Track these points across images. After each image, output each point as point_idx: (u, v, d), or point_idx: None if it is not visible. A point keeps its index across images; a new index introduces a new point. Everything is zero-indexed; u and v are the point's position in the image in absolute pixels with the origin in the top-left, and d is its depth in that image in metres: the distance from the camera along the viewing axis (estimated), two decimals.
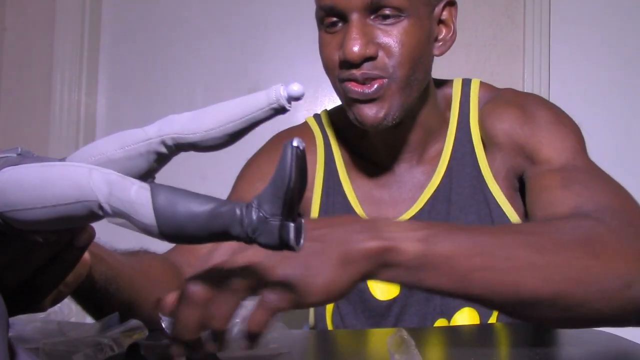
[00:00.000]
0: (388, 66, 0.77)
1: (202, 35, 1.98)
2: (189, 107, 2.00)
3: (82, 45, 1.98)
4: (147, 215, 0.31)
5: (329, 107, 0.99)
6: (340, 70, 0.79)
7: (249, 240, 0.31)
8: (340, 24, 0.79)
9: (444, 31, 0.84)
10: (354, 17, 0.76)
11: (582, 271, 0.51)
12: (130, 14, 2.03)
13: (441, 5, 0.82)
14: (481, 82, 0.90)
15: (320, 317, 0.90)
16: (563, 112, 0.84)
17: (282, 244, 0.30)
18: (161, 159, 0.35)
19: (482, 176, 0.84)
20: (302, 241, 0.31)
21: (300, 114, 1.90)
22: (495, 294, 0.50)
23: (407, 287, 0.48)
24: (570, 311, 0.51)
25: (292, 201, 0.30)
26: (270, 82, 1.93)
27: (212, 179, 1.88)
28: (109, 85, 2.04)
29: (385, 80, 0.77)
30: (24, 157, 0.36)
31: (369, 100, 0.77)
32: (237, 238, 0.31)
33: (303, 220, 0.32)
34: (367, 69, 0.76)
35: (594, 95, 1.80)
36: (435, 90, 0.89)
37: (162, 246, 0.81)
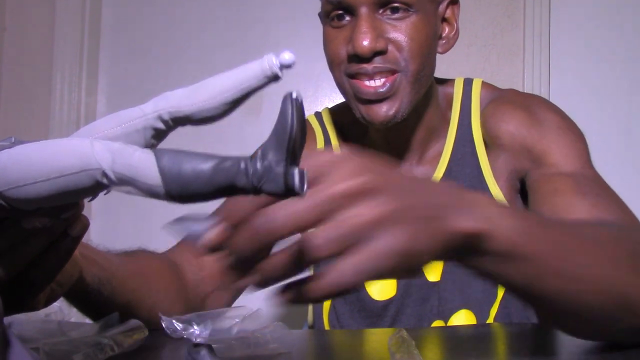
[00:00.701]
0: (400, 60, 0.76)
1: (202, 35, 1.98)
2: None
3: (82, 45, 1.98)
4: (153, 176, 0.31)
5: (329, 106, 0.99)
6: (349, 64, 0.78)
7: (255, 190, 0.31)
8: (347, 18, 0.78)
9: (447, 29, 0.84)
10: (363, 10, 0.75)
11: None
12: (130, 14, 2.03)
13: (445, 3, 0.82)
14: (483, 82, 0.90)
15: (318, 315, 0.90)
16: (568, 117, 0.83)
17: (287, 190, 0.31)
18: (159, 135, 0.36)
19: (483, 177, 0.83)
20: (305, 187, 0.31)
21: None
22: (563, 300, 0.47)
23: (472, 272, 0.45)
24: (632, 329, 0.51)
25: (294, 148, 0.31)
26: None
27: None
28: (109, 85, 2.04)
29: (397, 75, 0.76)
30: (19, 145, 0.36)
31: (381, 99, 0.76)
32: (243, 190, 0.31)
33: (305, 170, 0.32)
34: (377, 62, 0.76)
35: (594, 95, 1.80)
36: (437, 89, 0.88)
37: (161, 245, 0.81)
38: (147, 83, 2.00)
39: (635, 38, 1.81)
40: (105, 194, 0.44)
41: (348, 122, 0.91)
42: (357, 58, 0.76)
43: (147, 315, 0.64)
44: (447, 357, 0.63)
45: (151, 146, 0.36)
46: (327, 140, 0.93)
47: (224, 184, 0.31)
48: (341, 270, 0.37)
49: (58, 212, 0.40)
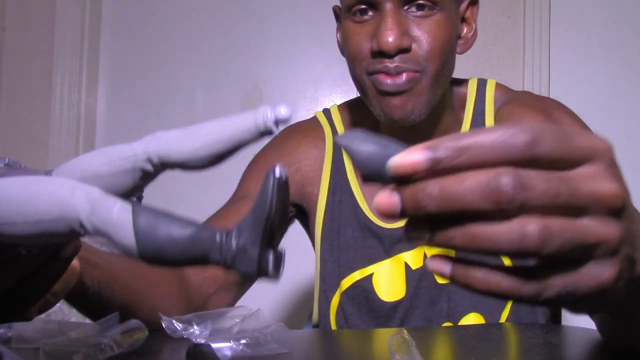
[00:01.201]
0: (421, 60, 0.75)
1: (202, 35, 1.97)
2: (189, 107, 2.00)
3: (82, 45, 1.98)
4: (127, 236, 0.31)
5: (328, 106, 0.99)
6: (371, 60, 0.76)
7: (228, 267, 0.31)
8: (370, 13, 0.77)
9: (465, 29, 0.83)
10: (389, 6, 0.74)
11: None
12: (130, 14, 2.03)
13: (465, 3, 0.82)
14: (497, 83, 0.89)
15: (324, 315, 0.89)
16: (582, 121, 0.83)
17: (260, 273, 0.30)
18: (147, 177, 0.35)
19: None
20: (281, 271, 0.31)
21: (300, 113, 1.90)
22: None
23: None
24: None
25: (272, 230, 0.30)
26: (270, 82, 1.94)
27: (212, 178, 1.88)
28: (109, 85, 2.04)
29: (417, 74, 0.75)
30: (11, 168, 0.36)
31: (399, 92, 0.76)
32: (217, 264, 0.31)
33: (284, 251, 0.31)
34: (400, 61, 0.75)
35: (594, 95, 1.80)
36: (451, 89, 0.88)
37: None
38: (147, 83, 2.00)
39: (635, 38, 1.80)
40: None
41: (357, 120, 0.91)
42: (381, 54, 0.75)
43: (148, 316, 0.64)
44: (448, 357, 0.63)
45: (138, 188, 0.35)
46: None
47: (198, 256, 0.31)
48: (550, 282, 0.31)
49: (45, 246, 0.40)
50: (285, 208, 0.32)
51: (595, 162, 0.32)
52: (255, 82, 1.95)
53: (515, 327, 0.76)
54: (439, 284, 0.82)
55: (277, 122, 0.33)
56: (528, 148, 0.29)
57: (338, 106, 0.96)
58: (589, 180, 0.31)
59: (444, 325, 0.82)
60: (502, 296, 0.31)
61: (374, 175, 0.31)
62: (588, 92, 1.80)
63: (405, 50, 0.75)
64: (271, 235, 0.30)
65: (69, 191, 0.32)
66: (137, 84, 2.01)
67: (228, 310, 0.64)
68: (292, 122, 0.99)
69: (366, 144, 0.31)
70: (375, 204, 0.31)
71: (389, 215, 0.31)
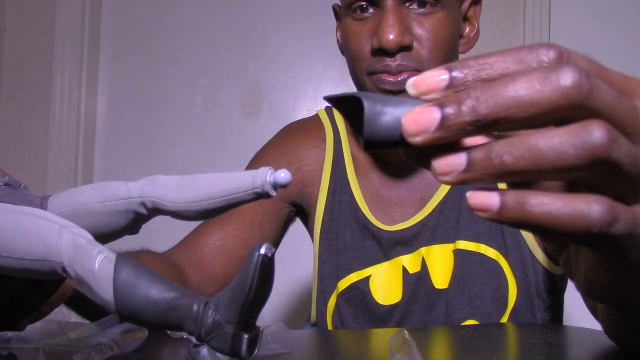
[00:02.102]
0: (423, 59, 0.74)
1: (202, 35, 1.97)
2: (189, 107, 2.00)
3: (82, 45, 1.98)
4: (106, 291, 0.31)
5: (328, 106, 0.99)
6: (372, 59, 0.75)
7: (201, 340, 0.31)
8: (371, 10, 0.76)
9: (467, 28, 0.82)
10: (390, 3, 0.73)
11: None
12: (130, 14, 2.03)
13: (467, 2, 0.81)
14: None
15: (321, 316, 0.89)
16: None
17: (233, 353, 0.30)
18: (139, 219, 0.35)
19: (497, 184, 0.82)
20: (256, 352, 0.30)
21: (300, 113, 1.90)
22: None
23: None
24: None
25: (250, 312, 0.30)
26: (270, 82, 1.93)
27: None
28: (109, 85, 2.04)
29: (417, 74, 0.75)
30: (11, 188, 0.36)
31: (401, 91, 0.75)
32: (191, 334, 0.31)
33: (261, 330, 0.31)
34: (401, 60, 0.74)
35: None
36: None
37: (161, 245, 0.81)
38: (147, 83, 2.00)
39: (635, 38, 1.81)
40: None
41: None
42: (382, 52, 0.74)
43: None
44: (448, 357, 0.63)
45: (130, 228, 0.36)
46: (337, 137, 0.92)
47: (173, 323, 0.31)
48: (619, 211, 0.25)
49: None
50: (268, 288, 0.31)
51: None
52: (255, 82, 1.95)
53: (515, 327, 0.76)
54: (436, 289, 0.82)
55: (275, 187, 0.32)
56: (559, 57, 0.27)
57: None
58: None
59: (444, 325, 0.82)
60: (567, 229, 0.25)
61: (381, 137, 0.26)
62: None
63: (407, 48, 0.74)
64: (248, 316, 0.30)
65: (55, 233, 0.32)
66: (137, 84, 2.01)
67: None
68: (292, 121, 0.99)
69: (370, 100, 0.27)
70: (405, 119, 0.26)
71: (422, 130, 0.25)
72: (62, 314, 0.64)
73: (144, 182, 0.35)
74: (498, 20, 1.83)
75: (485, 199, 0.26)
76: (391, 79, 0.75)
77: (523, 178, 0.25)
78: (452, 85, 0.26)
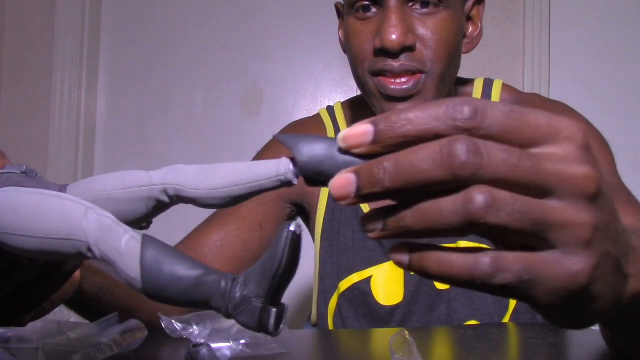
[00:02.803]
0: (426, 60, 0.74)
1: (202, 35, 1.97)
2: (189, 107, 2.00)
3: (82, 45, 1.98)
4: (133, 269, 0.30)
5: (327, 105, 0.99)
6: (374, 59, 0.75)
7: (228, 316, 0.30)
8: (374, 10, 0.75)
9: (471, 28, 0.82)
10: (393, 2, 0.72)
11: None
12: (130, 14, 2.03)
13: (471, 1, 0.81)
14: (504, 84, 0.88)
15: (322, 316, 0.89)
16: (593, 126, 0.81)
17: (261, 328, 0.30)
18: (160, 207, 0.35)
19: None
20: (282, 327, 0.31)
21: (300, 113, 1.90)
22: None
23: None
24: None
25: (278, 287, 0.30)
26: (270, 82, 1.93)
27: None
28: (109, 85, 2.04)
29: (422, 76, 0.74)
30: (28, 177, 0.36)
31: (405, 97, 0.74)
32: (217, 310, 0.31)
33: (287, 306, 0.31)
34: (404, 60, 0.73)
35: (594, 95, 1.80)
36: (456, 89, 0.87)
37: None
38: (147, 83, 2.00)
39: (635, 38, 1.80)
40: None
41: (361, 118, 0.91)
42: (384, 53, 0.73)
43: (148, 319, 0.64)
44: (448, 357, 0.63)
45: (150, 216, 0.35)
46: None
47: (200, 299, 0.30)
48: (508, 269, 0.28)
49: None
50: (296, 264, 0.31)
51: (563, 143, 0.29)
52: (255, 82, 1.95)
53: (515, 327, 0.75)
54: (438, 290, 0.82)
55: (297, 175, 0.32)
56: (473, 116, 0.28)
57: (342, 104, 0.96)
58: (555, 160, 0.29)
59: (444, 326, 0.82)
60: (457, 280, 0.29)
61: (320, 176, 0.30)
62: (588, 92, 1.80)
63: (410, 48, 0.73)
64: (277, 291, 0.30)
65: (81, 213, 0.32)
66: (137, 84, 2.01)
67: None
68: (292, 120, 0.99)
69: (312, 144, 0.30)
70: (331, 185, 0.29)
71: (344, 196, 0.29)
72: (62, 314, 0.64)
73: (167, 170, 0.34)
74: (498, 20, 1.83)
75: (398, 256, 0.30)
76: (394, 86, 0.74)
77: (425, 236, 0.29)
78: (376, 140, 0.29)
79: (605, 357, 0.53)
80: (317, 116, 0.96)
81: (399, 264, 0.30)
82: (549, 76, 1.81)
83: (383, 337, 0.71)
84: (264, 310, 0.30)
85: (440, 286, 0.82)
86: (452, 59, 0.76)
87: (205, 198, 0.33)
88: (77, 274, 0.55)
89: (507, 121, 0.29)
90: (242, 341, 0.56)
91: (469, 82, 0.89)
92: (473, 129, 0.28)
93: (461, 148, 0.27)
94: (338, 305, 0.86)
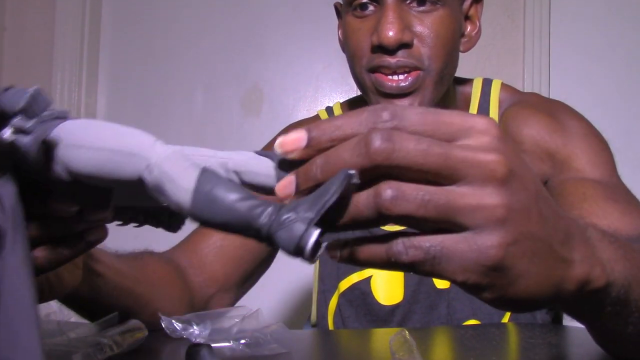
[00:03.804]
0: (424, 57, 0.74)
1: (202, 35, 1.97)
2: (189, 107, 2.00)
3: (82, 45, 1.98)
4: (188, 184, 0.31)
5: (326, 106, 0.99)
6: (371, 56, 0.75)
7: (268, 236, 0.30)
8: (371, 8, 0.75)
9: (469, 27, 0.82)
10: (390, 0, 0.73)
11: None
12: (130, 14, 2.03)
13: (469, 0, 0.81)
14: (502, 84, 0.88)
15: (323, 316, 0.89)
16: (593, 125, 0.81)
17: (298, 249, 0.30)
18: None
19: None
20: (317, 256, 0.30)
21: (300, 113, 1.90)
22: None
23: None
24: None
25: (325, 217, 0.30)
26: (270, 82, 1.94)
27: None
28: (109, 85, 2.04)
29: (420, 73, 0.74)
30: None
31: (403, 94, 0.74)
32: (259, 230, 0.30)
33: (325, 245, 0.31)
34: (402, 56, 0.73)
35: (594, 95, 1.80)
36: (455, 88, 0.87)
37: (161, 245, 0.81)
38: (147, 83, 2.00)
39: (635, 38, 1.80)
40: (135, 226, 0.45)
41: None
42: (382, 49, 0.73)
43: (149, 319, 0.64)
44: (448, 357, 0.63)
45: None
46: None
47: (244, 217, 0.31)
48: (417, 246, 0.31)
49: (87, 208, 0.42)
50: (346, 205, 0.31)
51: (476, 136, 0.32)
52: (255, 82, 1.95)
53: (515, 327, 0.76)
54: (438, 289, 0.82)
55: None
56: (391, 118, 0.31)
57: (341, 104, 0.96)
58: (465, 148, 0.31)
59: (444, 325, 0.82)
60: (378, 261, 0.32)
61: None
62: (588, 92, 1.80)
63: (407, 45, 0.73)
64: (322, 221, 0.30)
65: (151, 140, 0.34)
66: (137, 84, 2.01)
67: (228, 310, 0.64)
68: (292, 121, 0.99)
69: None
70: (277, 188, 0.33)
71: (287, 195, 0.32)
72: (62, 314, 0.64)
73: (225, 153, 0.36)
74: (498, 20, 1.83)
75: (332, 252, 0.33)
76: (392, 83, 0.74)
77: (352, 228, 0.32)
78: (309, 145, 0.32)
79: (606, 357, 0.53)
80: (317, 117, 0.96)
81: (333, 257, 0.33)
82: (549, 76, 1.81)
83: (383, 337, 0.71)
84: (306, 231, 0.29)
85: (440, 285, 0.82)
86: (450, 56, 0.76)
87: (258, 184, 0.36)
88: (79, 273, 0.55)
89: (422, 120, 0.32)
90: (242, 341, 0.56)
91: (467, 81, 0.89)
92: (392, 129, 0.31)
93: (376, 136, 0.30)
94: (338, 305, 0.87)
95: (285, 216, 0.30)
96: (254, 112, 1.95)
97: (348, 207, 0.31)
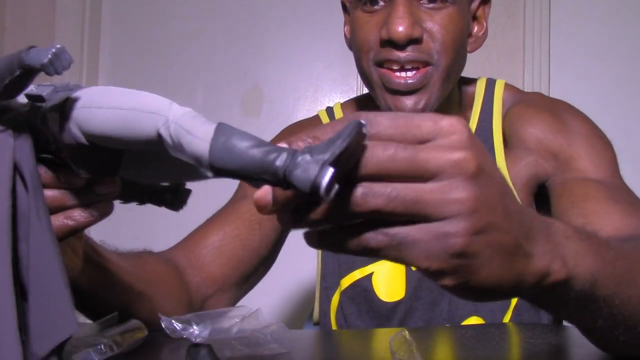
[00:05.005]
0: (433, 52, 0.74)
1: (202, 35, 1.97)
2: (189, 107, 2.01)
3: (82, 45, 1.98)
4: (206, 135, 0.33)
5: (327, 106, 0.99)
6: (380, 49, 0.75)
7: (284, 178, 0.31)
8: (381, 3, 0.75)
9: (476, 28, 0.82)
10: None
11: None
12: (130, 14, 2.03)
13: (477, 1, 0.81)
14: (506, 84, 0.88)
15: (325, 314, 0.89)
16: (596, 125, 0.82)
17: (313, 188, 0.30)
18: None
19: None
20: (332, 193, 0.31)
21: (300, 114, 1.90)
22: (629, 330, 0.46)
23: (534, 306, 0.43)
24: None
25: (340, 156, 0.31)
26: (270, 82, 1.94)
27: (212, 178, 1.87)
28: (109, 85, 2.04)
29: (429, 69, 0.74)
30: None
31: (411, 91, 0.74)
32: (276, 172, 0.31)
33: (338, 188, 0.32)
34: (411, 51, 0.73)
35: (594, 95, 1.80)
36: (459, 88, 0.87)
37: (161, 245, 0.81)
38: (147, 83, 2.00)
39: (635, 38, 1.80)
40: (137, 204, 0.45)
41: None
42: (391, 44, 0.73)
43: (147, 317, 0.64)
44: (448, 357, 0.63)
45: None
46: None
47: (260, 162, 0.32)
48: (385, 232, 0.33)
49: (95, 180, 0.43)
50: (356, 153, 0.33)
51: (446, 136, 0.33)
52: (255, 82, 1.95)
53: (515, 327, 0.75)
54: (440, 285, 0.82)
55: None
56: (367, 126, 0.33)
57: (341, 104, 0.96)
58: (434, 148, 0.33)
59: (444, 325, 0.82)
60: (350, 247, 0.34)
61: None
62: (588, 92, 1.80)
63: (416, 40, 0.73)
64: (337, 158, 0.31)
65: (168, 100, 0.35)
66: (137, 84, 2.01)
67: (228, 310, 0.64)
68: (293, 122, 0.99)
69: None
70: (255, 196, 0.34)
71: (265, 202, 0.33)
72: None
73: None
74: (498, 21, 1.83)
75: (308, 240, 0.36)
76: (399, 80, 0.74)
77: (332, 223, 0.34)
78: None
79: (605, 357, 0.53)
80: (316, 117, 0.96)
81: (311, 246, 0.36)
82: (549, 76, 1.81)
83: (383, 337, 0.71)
84: (321, 170, 0.30)
85: None
86: (458, 54, 0.77)
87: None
88: (78, 262, 0.55)
89: (393, 124, 0.33)
90: (243, 341, 0.56)
91: (471, 81, 0.90)
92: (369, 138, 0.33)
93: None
94: (340, 302, 0.87)
95: (300, 158, 0.31)
96: (254, 112, 1.95)
97: (358, 154, 0.33)
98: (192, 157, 0.33)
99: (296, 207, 0.34)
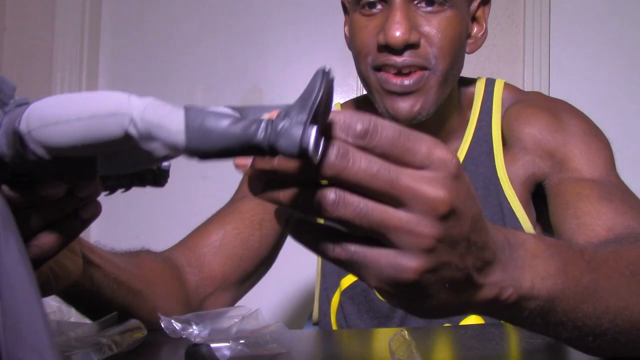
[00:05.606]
0: (430, 56, 0.74)
1: (202, 35, 1.97)
2: None
3: (82, 45, 1.98)
4: (177, 128, 0.32)
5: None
6: (377, 54, 0.75)
7: (270, 149, 0.31)
8: (379, 6, 0.76)
9: (475, 29, 0.82)
10: (398, 0, 0.73)
11: None
12: (130, 14, 2.03)
13: (476, 2, 0.81)
14: (505, 83, 0.88)
15: (325, 314, 0.89)
16: (594, 124, 0.82)
17: (302, 151, 0.30)
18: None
19: (497, 178, 0.81)
20: (320, 153, 0.31)
21: None
22: (600, 342, 0.47)
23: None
24: None
25: (317, 112, 0.31)
26: (271, 82, 1.94)
27: (212, 178, 1.88)
28: (109, 85, 2.04)
29: (425, 72, 0.74)
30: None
31: (407, 93, 0.75)
32: (259, 148, 0.31)
33: (323, 143, 0.32)
34: (408, 56, 0.74)
35: (594, 95, 1.80)
36: (459, 88, 0.87)
37: (161, 245, 0.81)
38: (147, 83, 2.00)
39: (635, 38, 1.80)
40: (123, 192, 0.44)
41: None
42: (388, 49, 0.73)
43: (147, 317, 0.64)
44: (448, 357, 0.63)
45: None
46: None
47: (241, 138, 0.31)
48: (344, 248, 0.35)
49: (75, 185, 0.42)
50: (329, 102, 0.33)
51: (433, 169, 0.34)
52: (255, 82, 1.95)
53: (515, 327, 0.75)
54: None
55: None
56: (362, 134, 0.33)
57: (342, 104, 0.96)
58: (415, 179, 0.33)
59: (444, 325, 0.82)
60: (310, 248, 0.36)
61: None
62: (588, 92, 1.80)
63: (413, 45, 0.73)
64: (316, 115, 0.31)
65: (124, 96, 0.34)
66: (137, 84, 2.01)
67: (227, 310, 0.64)
68: None
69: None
70: (236, 161, 0.34)
71: (242, 164, 0.34)
72: (62, 313, 0.64)
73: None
74: (498, 20, 1.83)
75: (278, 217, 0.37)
76: (396, 80, 0.74)
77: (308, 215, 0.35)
78: None
79: (606, 357, 0.53)
80: None
81: (295, 240, 0.36)
82: (549, 76, 1.81)
83: (383, 337, 0.71)
84: (304, 131, 0.30)
85: None
86: (456, 57, 0.76)
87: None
88: (80, 262, 0.55)
89: (394, 142, 0.34)
90: (242, 341, 0.56)
91: (471, 81, 0.89)
92: (361, 145, 0.33)
93: (332, 151, 0.32)
94: (340, 302, 0.87)
95: (280, 124, 0.31)
96: None
97: (332, 99, 0.33)
98: (169, 148, 0.33)
99: (269, 179, 0.34)
